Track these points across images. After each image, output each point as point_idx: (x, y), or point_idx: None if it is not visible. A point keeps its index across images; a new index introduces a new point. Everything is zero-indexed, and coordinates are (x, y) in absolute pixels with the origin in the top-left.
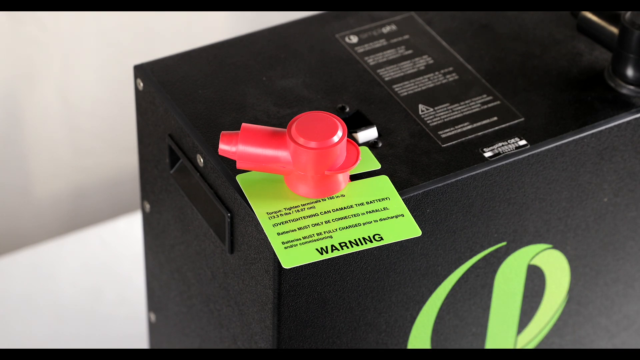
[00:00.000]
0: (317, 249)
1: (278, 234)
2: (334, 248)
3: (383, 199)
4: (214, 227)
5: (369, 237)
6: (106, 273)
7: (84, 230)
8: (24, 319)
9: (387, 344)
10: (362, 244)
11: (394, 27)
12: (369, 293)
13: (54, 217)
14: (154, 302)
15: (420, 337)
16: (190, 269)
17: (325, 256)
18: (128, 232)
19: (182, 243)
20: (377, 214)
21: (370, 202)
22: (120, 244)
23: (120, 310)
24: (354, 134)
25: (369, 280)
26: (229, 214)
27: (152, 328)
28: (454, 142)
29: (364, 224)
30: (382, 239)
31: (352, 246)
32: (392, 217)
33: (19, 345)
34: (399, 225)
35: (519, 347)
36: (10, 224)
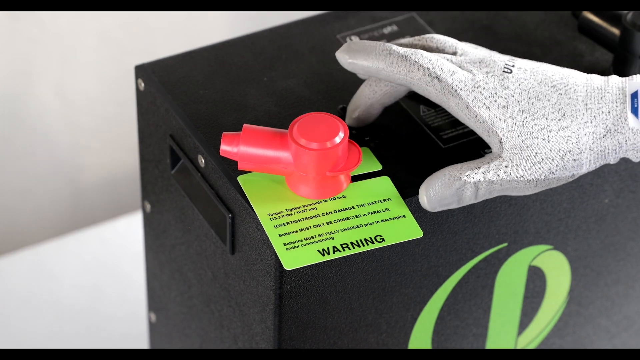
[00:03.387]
0: (318, 250)
1: (280, 235)
2: (335, 249)
3: (384, 200)
4: (215, 228)
5: (370, 238)
6: (106, 273)
7: (84, 230)
8: (24, 319)
9: (388, 345)
10: (363, 245)
11: (395, 27)
12: (370, 294)
13: (53, 216)
14: (154, 302)
15: (421, 337)
16: (191, 270)
17: (327, 257)
18: (128, 232)
19: (183, 243)
20: (379, 215)
21: (372, 203)
22: (120, 244)
23: (120, 310)
24: (355, 135)
25: (370, 281)
26: (230, 215)
27: (153, 328)
28: (455, 143)
29: (365, 225)
30: (383, 240)
31: (353, 247)
32: (393, 218)
33: (19, 345)
34: (401, 226)
35: (519, 347)
36: (9, 224)
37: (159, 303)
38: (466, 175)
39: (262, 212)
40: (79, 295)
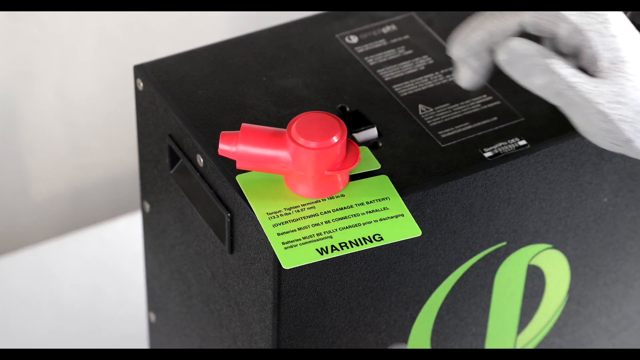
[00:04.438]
0: (317, 249)
1: (278, 234)
2: (334, 248)
3: (383, 199)
4: (214, 227)
5: (369, 237)
6: (106, 273)
7: (84, 230)
8: (24, 319)
9: (387, 344)
10: (362, 244)
11: (394, 27)
12: (369, 293)
13: (53, 216)
14: (154, 302)
15: (420, 337)
16: (190, 269)
17: (325, 256)
18: (128, 232)
19: (182, 243)
20: (377, 213)
21: (370, 202)
22: (120, 244)
23: (120, 310)
24: (354, 134)
25: (369, 280)
26: (228, 214)
27: (152, 328)
28: (454, 142)
29: (364, 224)
30: (382, 239)
31: (352, 246)
32: (392, 217)
33: (19, 345)
34: (399, 225)
35: (518, 347)
36: (9, 224)
37: (158, 303)
38: (553, 62)
39: (260, 211)
40: (79, 295)
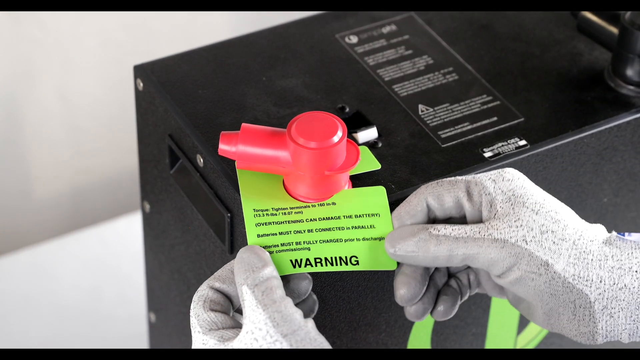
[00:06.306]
0: (291, 261)
1: (258, 235)
2: (308, 262)
3: (373, 215)
4: (214, 227)
5: (345, 257)
6: (106, 273)
7: (84, 230)
8: (24, 319)
9: (387, 344)
10: (336, 264)
11: (393, 27)
12: (369, 293)
13: (54, 217)
14: (154, 302)
15: (420, 337)
16: (190, 269)
17: (297, 270)
18: (128, 232)
19: (182, 243)
20: (362, 231)
21: (359, 215)
22: (120, 244)
23: (120, 310)
24: (354, 134)
25: (369, 280)
26: (228, 214)
27: (152, 328)
28: (453, 142)
29: (345, 240)
30: (357, 263)
31: (326, 264)
32: (375, 239)
33: (19, 345)
34: (379, 251)
35: (518, 347)
36: (10, 224)
37: (158, 303)
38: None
39: (248, 207)
40: (79, 295)
